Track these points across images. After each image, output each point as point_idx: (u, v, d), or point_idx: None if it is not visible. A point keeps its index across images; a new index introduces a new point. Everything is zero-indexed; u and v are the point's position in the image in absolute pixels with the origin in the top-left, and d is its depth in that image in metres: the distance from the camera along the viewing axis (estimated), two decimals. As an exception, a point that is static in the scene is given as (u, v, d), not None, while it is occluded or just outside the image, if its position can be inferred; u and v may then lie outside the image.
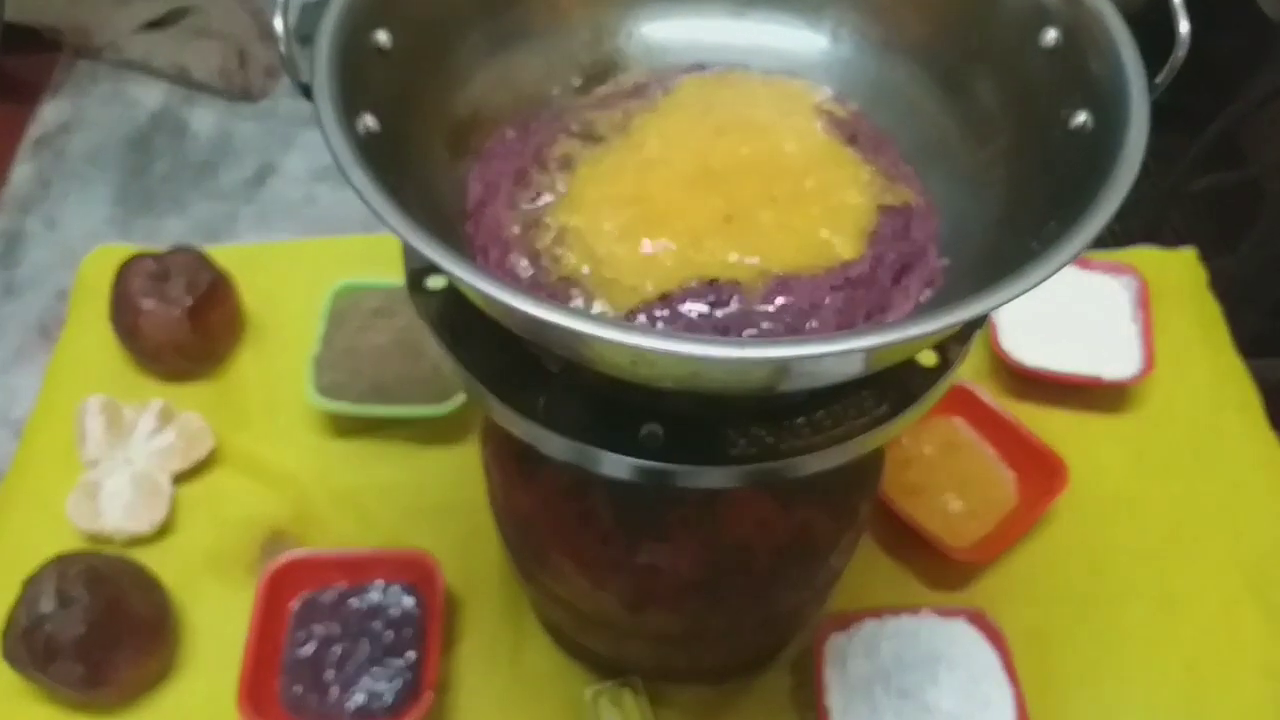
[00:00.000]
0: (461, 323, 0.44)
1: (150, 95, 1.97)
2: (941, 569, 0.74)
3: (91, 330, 0.86)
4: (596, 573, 0.57)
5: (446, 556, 0.71)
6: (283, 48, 0.40)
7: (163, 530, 0.76)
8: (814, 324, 0.42)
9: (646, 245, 0.43)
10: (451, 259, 0.33)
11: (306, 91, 0.39)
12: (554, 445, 0.42)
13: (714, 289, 0.42)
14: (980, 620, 0.68)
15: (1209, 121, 1.21)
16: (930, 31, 0.50)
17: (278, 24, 0.40)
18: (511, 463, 0.60)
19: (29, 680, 0.67)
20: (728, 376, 0.38)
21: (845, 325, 0.43)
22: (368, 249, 0.94)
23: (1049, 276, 0.34)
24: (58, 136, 1.90)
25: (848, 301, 0.43)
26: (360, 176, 0.35)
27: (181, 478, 0.79)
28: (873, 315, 0.44)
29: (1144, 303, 0.86)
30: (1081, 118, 0.42)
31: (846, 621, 0.68)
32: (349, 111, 0.39)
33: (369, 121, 0.41)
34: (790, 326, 0.42)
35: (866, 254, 0.44)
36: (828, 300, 0.43)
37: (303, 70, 0.39)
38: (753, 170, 0.47)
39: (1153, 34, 0.44)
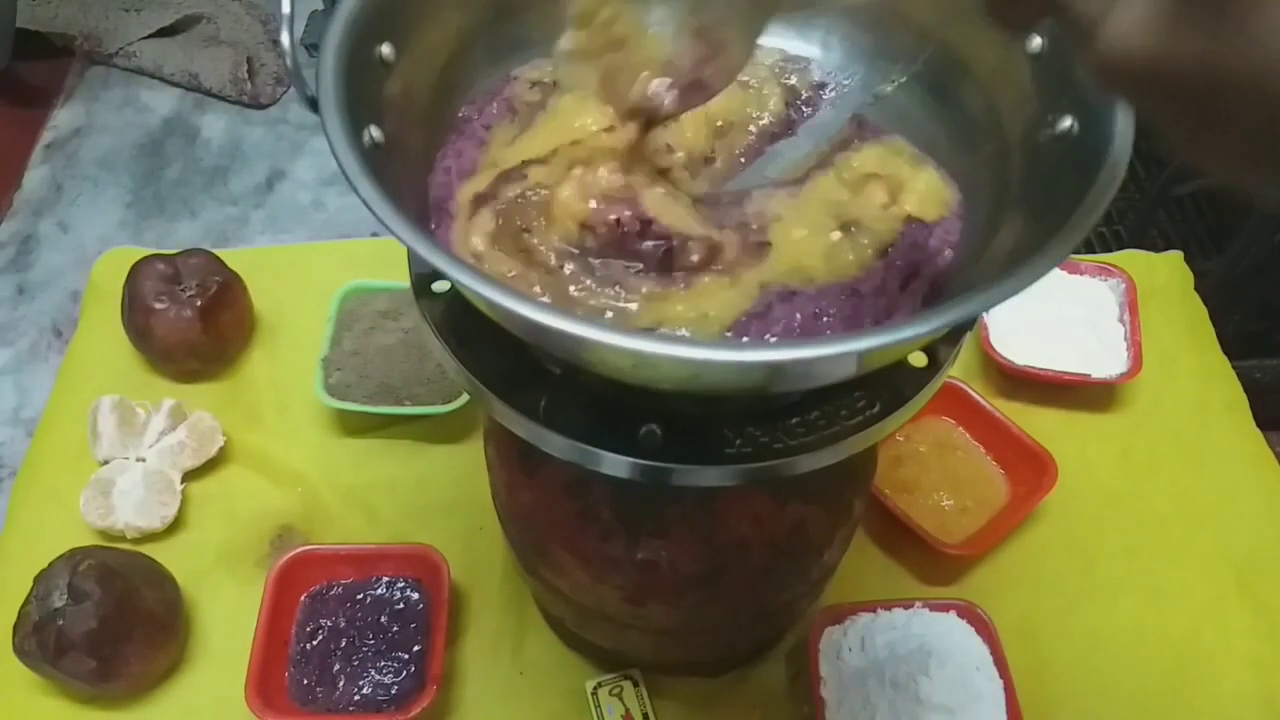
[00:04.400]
0: (465, 326, 0.44)
1: (162, 101, 1.98)
2: (934, 564, 0.75)
3: (104, 331, 0.87)
4: (597, 568, 0.58)
5: (451, 552, 0.71)
6: (289, 62, 0.40)
7: (174, 526, 0.77)
8: (826, 331, 0.43)
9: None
10: (456, 265, 0.34)
11: (313, 104, 0.39)
12: (555, 445, 0.42)
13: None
14: (971, 614, 0.69)
15: (1196, 126, 1.21)
16: (918, 39, 0.50)
17: (284, 38, 0.40)
18: (514, 461, 0.60)
19: (40, 674, 0.68)
20: (726, 378, 0.38)
21: (851, 330, 0.43)
22: (375, 252, 0.96)
23: (1037, 280, 0.34)
24: (70, 141, 1.91)
25: (854, 309, 0.44)
26: (367, 188, 0.36)
27: (192, 475, 0.80)
28: (879, 321, 0.44)
29: (1131, 304, 0.87)
30: (1067, 123, 0.42)
31: (841, 615, 0.69)
32: (355, 124, 0.39)
33: (374, 133, 0.41)
34: (800, 330, 0.43)
35: (878, 265, 0.45)
36: (834, 310, 0.44)
37: (309, 82, 0.40)
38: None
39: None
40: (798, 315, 0.43)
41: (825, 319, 0.43)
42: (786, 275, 0.44)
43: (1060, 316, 0.87)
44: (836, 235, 0.46)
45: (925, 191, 0.48)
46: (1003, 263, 0.37)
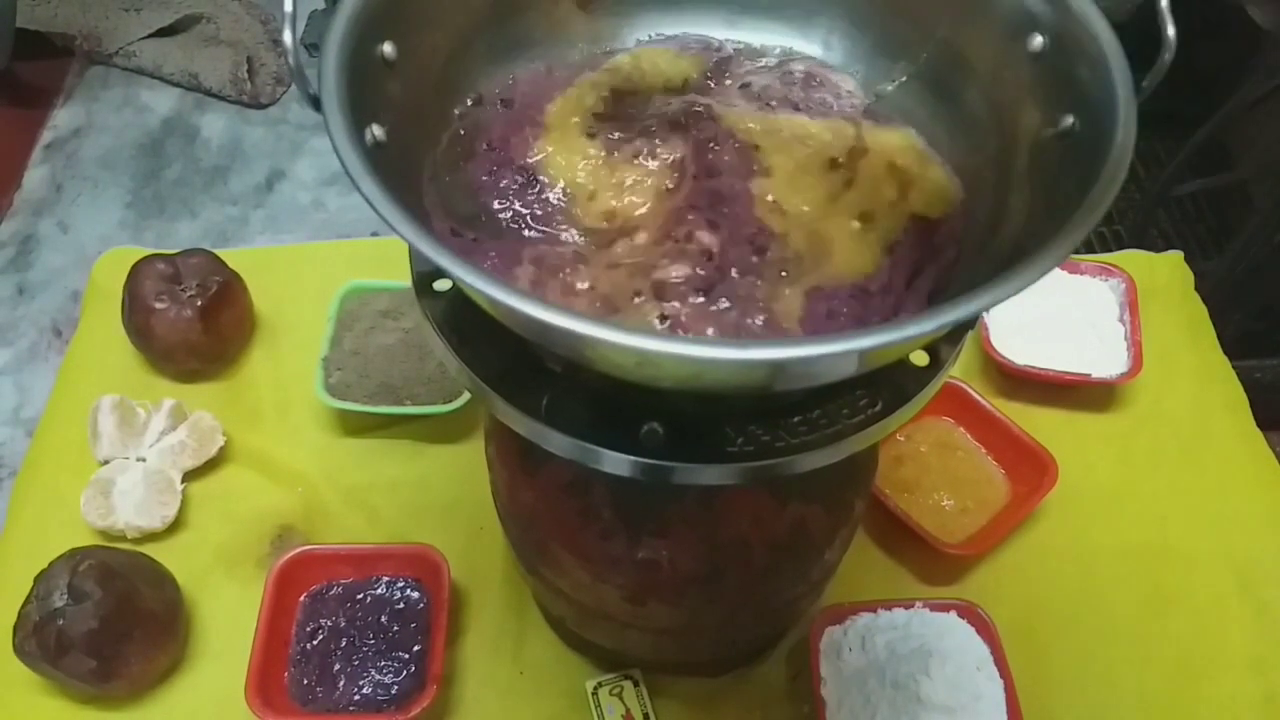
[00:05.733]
0: (466, 324, 0.44)
1: (162, 101, 1.98)
2: (934, 564, 0.75)
3: (104, 331, 0.87)
4: (597, 567, 0.58)
5: (451, 551, 0.71)
6: (291, 60, 0.40)
7: (174, 526, 0.77)
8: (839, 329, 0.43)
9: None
10: (459, 264, 0.34)
11: (315, 103, 0.39)
12: (556, 443, 0.42)
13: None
14: (971, 614, 0.69)
15: (1197, 126, 1.22)
16: (920, 38, 0.50)
17: (286, 37, 0.40)
18: (515, 460, 0.60)
19: (40, 674, 0.68)
20: (729, 376, 0.38)
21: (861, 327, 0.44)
22: (375, 251, 0.96)
23: (1038, 279, 0.34)
24: (70, 141, 1.91)
25: (864, 307, 0.44)
26: (370, 186, 0.36)
27: (193, 475, 0.80)
28: (886, 318, 0.45)
29: (1132, 304, 0.87)
30: (1069, 121, 0.42)
31: (841, 615, 0.69)
32: (357, 122, 0.39)
33: (376, 132, 0.41)
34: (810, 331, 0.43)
35: (885, 263, 0.45)
36: (845, 310, 0.44)
37: (310, 81, 0.40)
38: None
39: (1141, 39, 0.45)
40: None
41: (839, 318, 0.43)
42: (831, 275, 0.44)
43: (1060, 316, 0.87)
44: (856, 225, 0.46)
45: (932, 189, 0.48)
46: (1004, 261, 0.37)
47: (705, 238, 0.45)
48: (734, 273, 0.44)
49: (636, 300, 0.43)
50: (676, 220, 0.46)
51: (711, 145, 0.48)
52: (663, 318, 0.43)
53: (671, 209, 0.47)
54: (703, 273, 0.44)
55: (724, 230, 0.46)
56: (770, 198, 0.47)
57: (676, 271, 0.44)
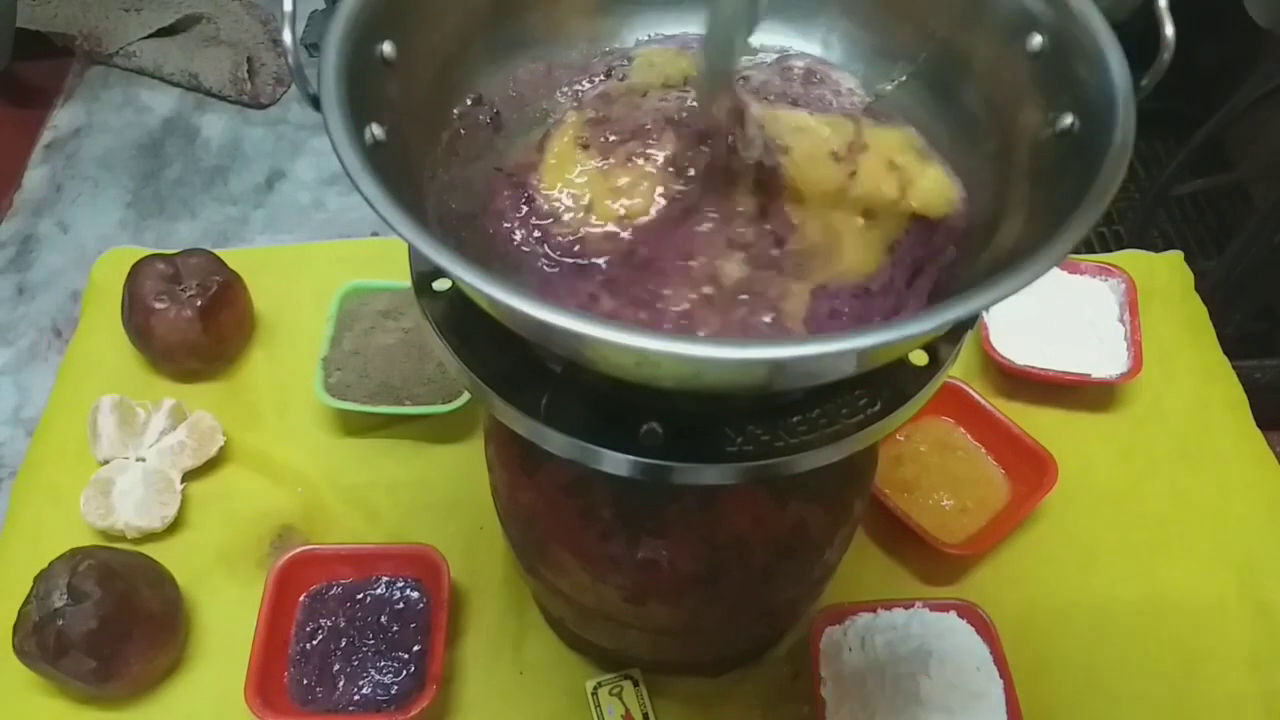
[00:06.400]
0: (466, 324, 0.44)
1: (162, 101, 1.98)
2: (934, 564, 0.75)
3: (104, 331, 0.87)
4: (597, 567, 0.58)
5: (451, 551, 0.71)
6: (290, 60, 0.40)
7: (174, 526, 0.77)
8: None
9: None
10: (459, 264, 0.34)
11: (315, 103, 0.39)
12: (556, 443, 0.42)
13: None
14: (971, 613, 0.69)
15: (1196, 126, 1.21)
16: (919, 37, 0.50)
17: (286, 37, 0.40)
18: (514, 460, 0.60)
19: (40, 674, 0.68)
20: (728, 376, 0.38)
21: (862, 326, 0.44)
22: (375, 251, 0.96)
23: (1038, 277, 0.34)
24: (70, 141, 1.91)
25: (865, 307, 0.44)
26: (370, 186, 0.36)
27: (192, 475, 0.80)
28: (887, 318, 0.45)
29: (1132, 304, 0.87)
30: (1068, 121, 0.42)
31: (841, 614, 0.69)
32: (357, 122, 0.39)
33: (376, 131, 0.41)
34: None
35: (886, 262, 0.45)
36: (847, 309, 0.44)
37: (310, 81, 0.40)
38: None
39: (1141, 39, 0.45)
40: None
41: (841, 317, 0.44)
42: (837, 274, 0.44)
43: (1060, 316, 0.87)
44: (860, 222, 0.46)
45: (931, 189, 0.48)
46: (1004, 260, 0.37)
47: (711, 233, 0.45)
48: (751, 267, 0.44)
49: (644, 298, 0.43)
50: (681, 215, 0.46)
51: (706, 140, 0.48)
52: (672, 312, 0.43)
53: (670, 207, 0.47)
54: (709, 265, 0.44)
55: (730, 226, 0.46)
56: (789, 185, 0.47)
57: (682, 268, 0.44)
